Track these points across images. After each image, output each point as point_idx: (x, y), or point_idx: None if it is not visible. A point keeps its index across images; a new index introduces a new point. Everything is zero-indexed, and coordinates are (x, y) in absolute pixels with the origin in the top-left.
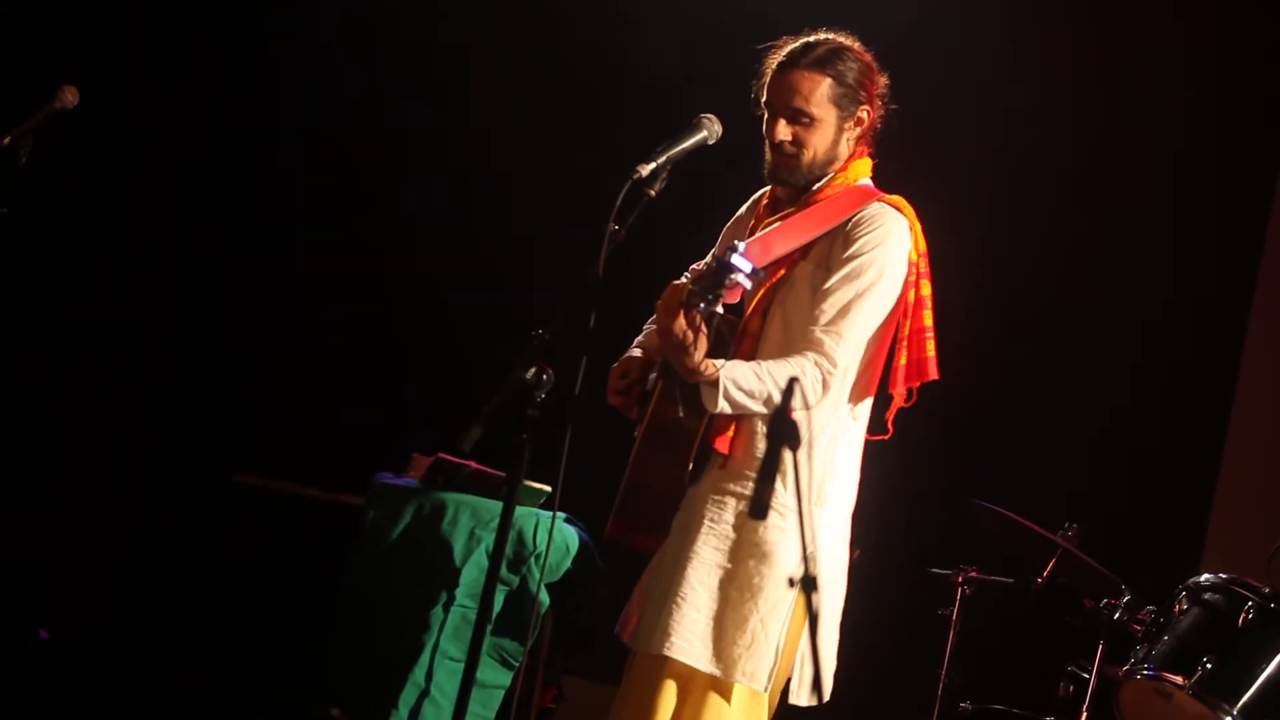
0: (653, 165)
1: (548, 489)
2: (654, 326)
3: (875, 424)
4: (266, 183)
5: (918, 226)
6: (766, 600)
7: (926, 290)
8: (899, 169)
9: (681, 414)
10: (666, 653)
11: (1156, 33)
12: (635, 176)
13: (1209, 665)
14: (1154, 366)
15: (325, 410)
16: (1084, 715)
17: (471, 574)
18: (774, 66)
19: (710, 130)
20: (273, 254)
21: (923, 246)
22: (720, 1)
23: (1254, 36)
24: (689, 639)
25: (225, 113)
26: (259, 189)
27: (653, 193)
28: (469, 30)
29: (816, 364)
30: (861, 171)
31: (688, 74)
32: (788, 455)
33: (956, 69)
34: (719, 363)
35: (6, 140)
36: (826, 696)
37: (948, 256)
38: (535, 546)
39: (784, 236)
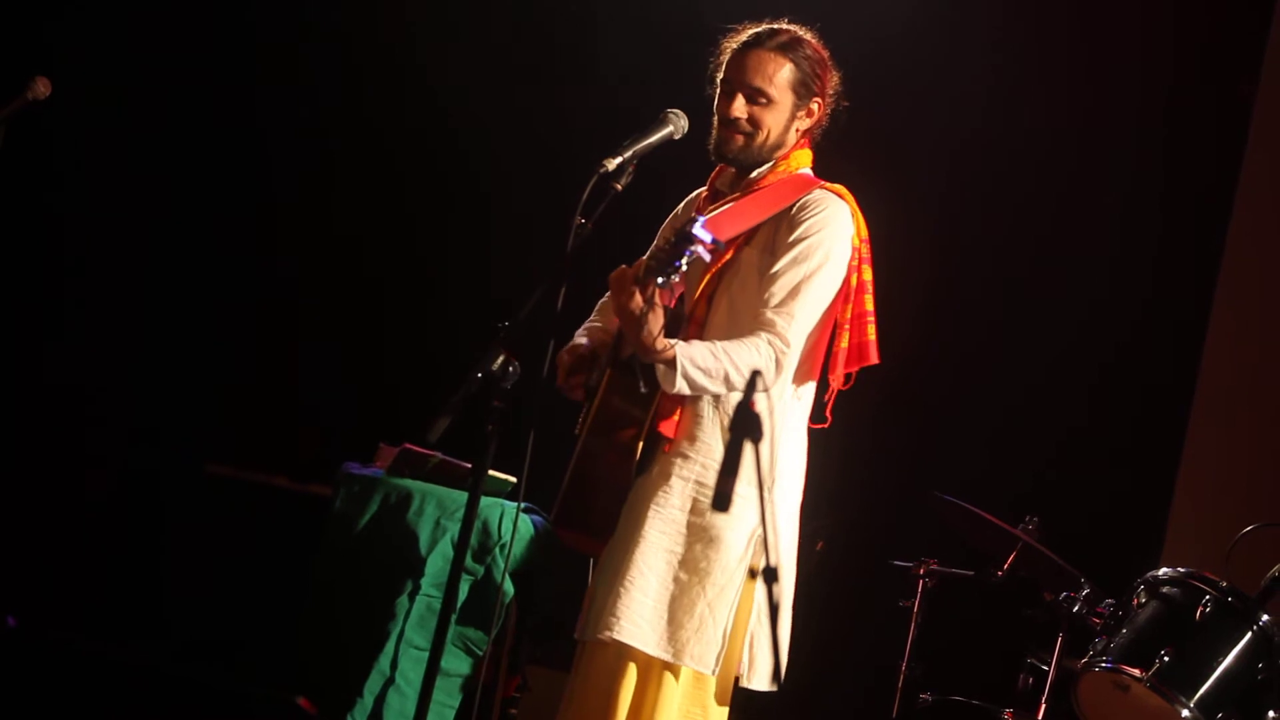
0: (619, 159)
1: (513, 479)
2: (597, 322)
3: (816, 412)
4: (238, 174)
5: (859, 213)
6: (714, 584)
7: (868, 275)
8: (856, 155)
9: (644, 389)
10: (615, 636)
11: (1122, 23)
12: (601, 170)
13: (1166, 658)
14: (1115, 360)
15: (293, 401)
16: (1043, 707)
17: (437, 563)
18: (735, 46)
19: (677, 125)
20: (244, 246)
21: (864, 232)
22: None
23: (1222, 34)
24: (637, 623)
25: (199, 103)
26: (230, 180)
27: (619, 186)
28: (445, 27)
29: (770, 343)
30: (802, 161)
31: (656, 68)
32: (748, 446)
33: (914, 55)
34: (674, 342)
35: None
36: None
37: (911, 246)
38: (500, 536)
39: (729, 222)
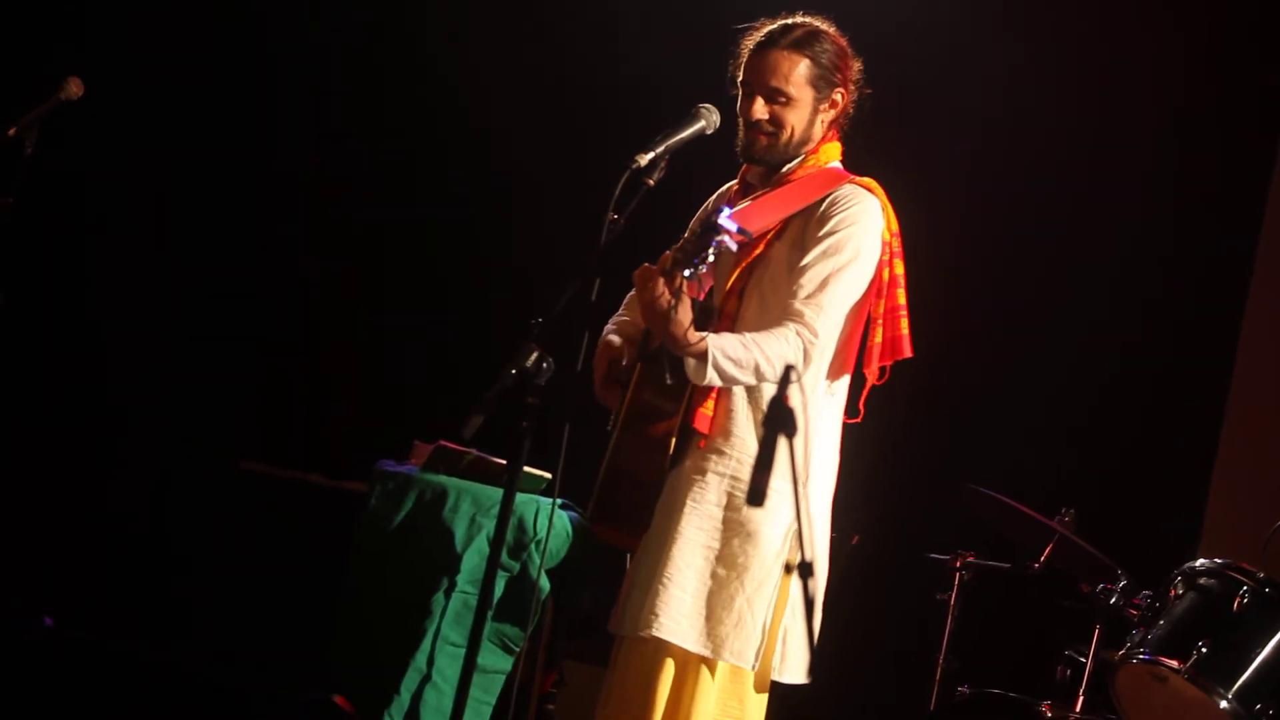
0: (651, 155)
1: (548, 475)
2: (625, 316)
3: (850, 407)
4: (268, 173)
5: (889, 207)
6: (752, 579)
7: (900, 269)
8: (887, 149)
9: (669, 381)
10: (655, 633)
11: (1152, 11)
12: (634, 166)
13: (1204, 649)
14: (1151, 350)
15: (329, 398)
16: (1080, 699)
17: (473, 560)
18: (752, 46)
19: (709, 120)
20: (278, 243)
21: (895, 226)
22: None
23: (1251, 20)
24: (676, 619)
25: (226, 105)
26: (261, 179)
27: (651, 182)
28: (464, 24)
29: (798, 334)
30: (832, 154)
31: (687, 64)
32: (783, 440)
33: (941, 49)
34: (705, 334)
35: (12, 131)
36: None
37: (940, 238)
38: (535, 533)
39: (758, 214)
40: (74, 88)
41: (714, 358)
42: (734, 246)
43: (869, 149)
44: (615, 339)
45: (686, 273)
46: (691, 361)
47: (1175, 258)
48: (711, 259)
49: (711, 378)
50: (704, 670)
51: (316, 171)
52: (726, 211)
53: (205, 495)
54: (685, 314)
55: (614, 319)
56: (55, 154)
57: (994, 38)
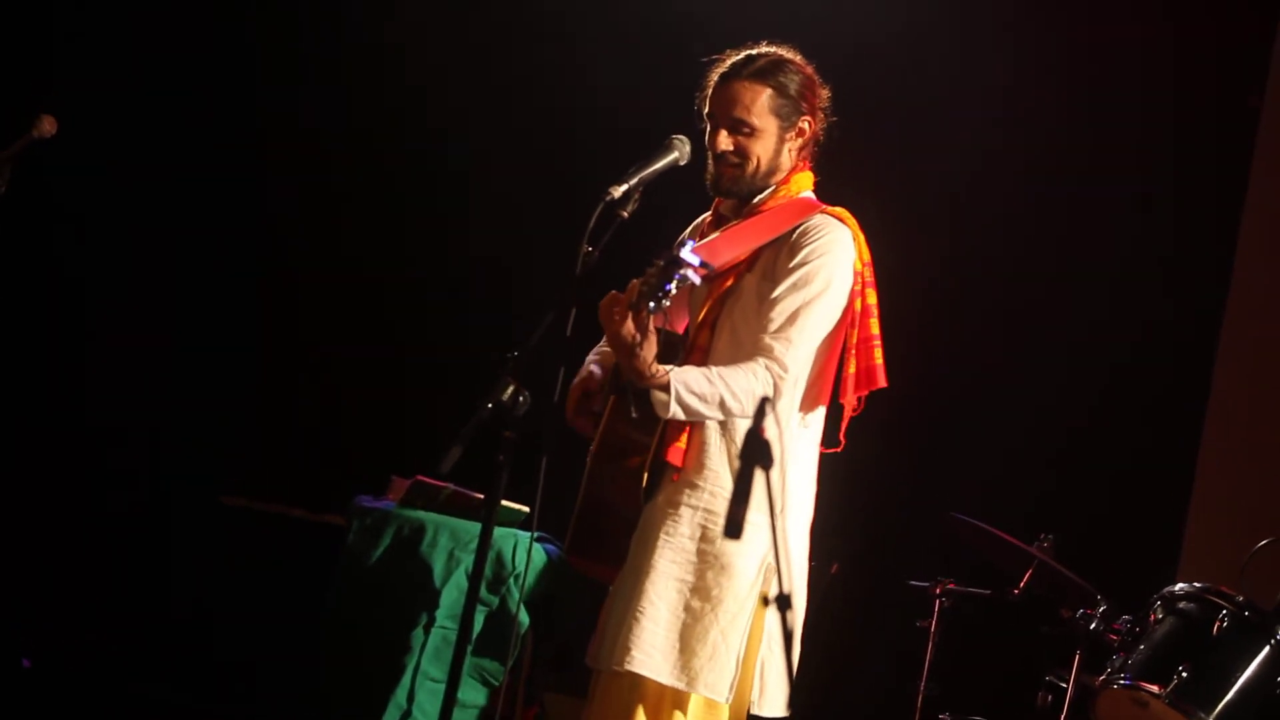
0: (625, 187)
1: (525, 509)
2: (606, 347)
3: (829, 437)
4: (250, 207)
5: (861, 236)
6: (726, 611)
7: (873, 299)
8: (857, 173)
9: (634, 414)
10: (628, 667)
11: (1126, 42)
12: (608, 199)
13: (1184, 674)
14: (1127, 376)
15: (308, 432)
16: None
17: (451, 595)
18: (715, 78)
19: (681, 151)
20: (257, 279)
21: (867, 256)
22: (696, 19)
23: (1230, 45)
24: (649, 652)
25: (208, 140)
26: (243, 213)
27: (625, 214)
28: (456, 64)
29: (767, 368)
30: (804, 184)
31: (663, 94)
32: (759, 472)
33: (919, 69)
34: (669, 368)
35: None
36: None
37: (915, 264)
38: (514, 567)
39: (728, 245)
40: (47, 125)
41: (677, 392)
42: (697, 280)
43: (845, 174)
44: (595, 370)
45: (650, 305)
46: (657, 395)
47: (1150, 281)
48: (674, 292)
49: (675, 412)
50: (679, 704)
51: (299, 205)
52: (689, 244)
53: (189, 529)
54: (649, 348)
55: (596, 349)
56: (34, 188)
57: (978, 58)
